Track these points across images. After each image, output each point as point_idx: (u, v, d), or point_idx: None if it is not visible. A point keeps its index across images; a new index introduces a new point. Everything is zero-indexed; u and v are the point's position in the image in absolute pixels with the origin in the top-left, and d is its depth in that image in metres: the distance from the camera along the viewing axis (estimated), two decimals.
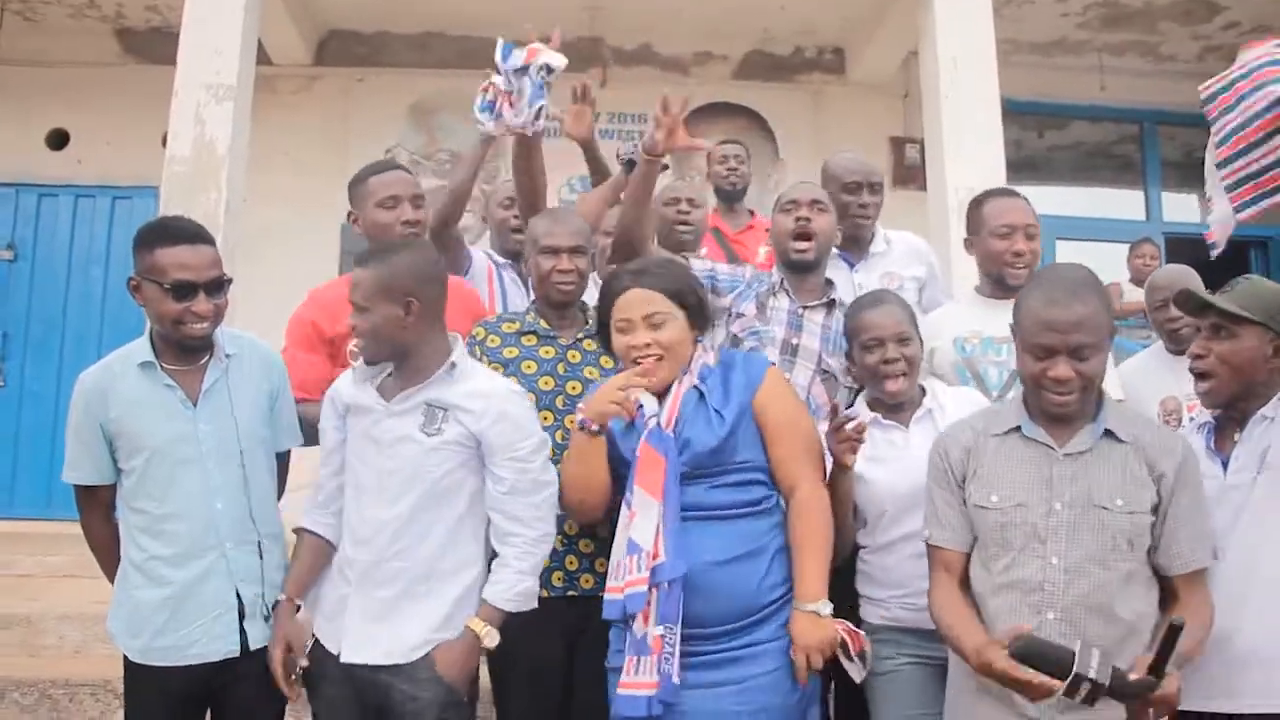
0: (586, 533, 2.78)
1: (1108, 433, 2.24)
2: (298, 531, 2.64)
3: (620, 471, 2.54)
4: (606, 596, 2.46)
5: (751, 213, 4.78)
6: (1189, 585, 2.21)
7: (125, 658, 2.59)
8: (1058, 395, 2.21)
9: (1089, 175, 8.50)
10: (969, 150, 5.69)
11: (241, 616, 2.56)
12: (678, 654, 2.32)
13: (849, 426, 2.50)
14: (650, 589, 2.34)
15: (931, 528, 2.40)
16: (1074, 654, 1.96)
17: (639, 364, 2.52)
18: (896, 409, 2.79)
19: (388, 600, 2.47)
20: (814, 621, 2.34)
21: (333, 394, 2.60)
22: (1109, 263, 7.04)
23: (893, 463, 2.68)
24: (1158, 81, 7.90)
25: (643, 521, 2.38)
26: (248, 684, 2.57)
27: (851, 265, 3.58)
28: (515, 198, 3.74)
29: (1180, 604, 2.19)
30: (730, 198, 4.61)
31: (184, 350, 2.62)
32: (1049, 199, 7.90)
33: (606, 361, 2.88)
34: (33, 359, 7.06)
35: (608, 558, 2.70)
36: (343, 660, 2.46)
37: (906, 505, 2.59)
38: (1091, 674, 1.94)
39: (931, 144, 5.95)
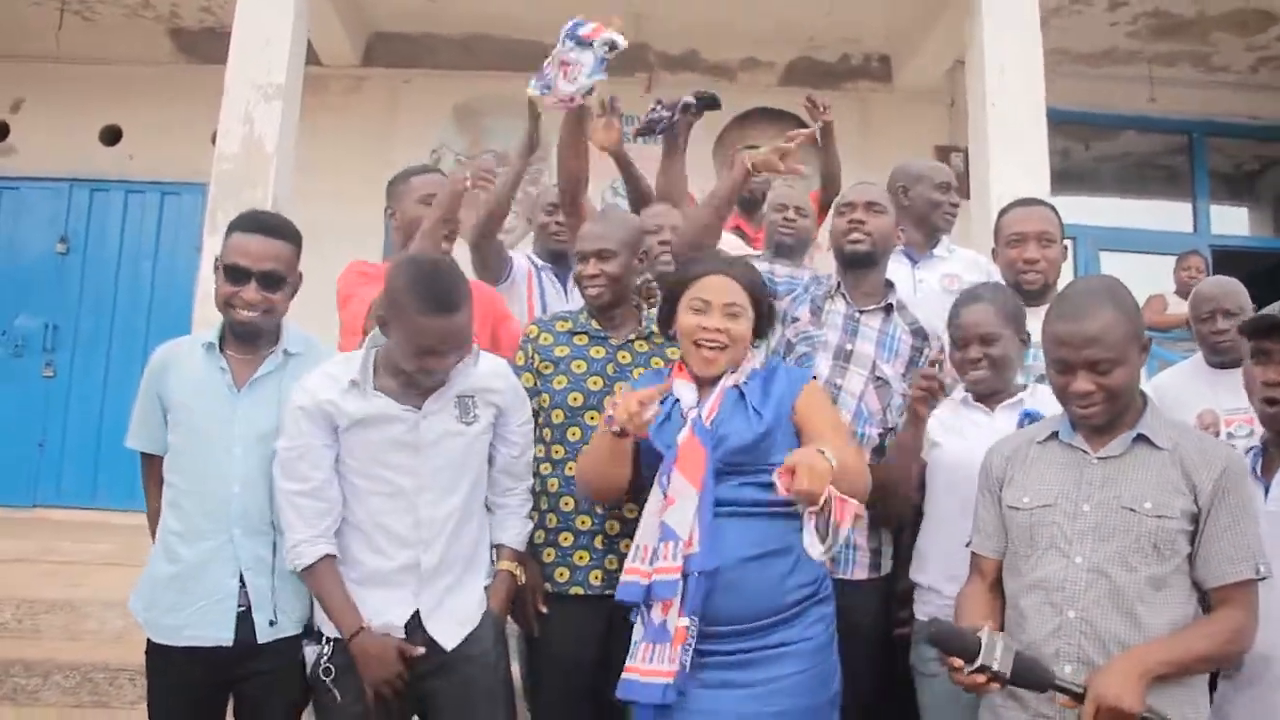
0: (627, 533, 2.76)
1: (1144, 439, 2.22)
2: (311, 567, 2.49)
3: (647, 460, 2.55)
4: (626, 577, 2.44)
5: None
6: (1223, 600, 2.14)
7: (148, 640, 2.63)
8: (1080, 409, 2.21)
9: (1136, 187, 8.41)
10: (1014, 160, 5.66)
11: (249, 608, 2.56)
12: (693, 647, 2.33)
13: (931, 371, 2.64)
14: (682, 578, 2.34)
15: (974, 534, 2.42)
16: (980, 641, 2.04)
17: (698, 345, 2.54)
18: (987, 397, 2.80)
19: (451, 585, 2.56)
20: (812, 451, 2.19)
21: (321, 409, 2.47)
22: (1155, 275, 6.98)
23: (970, 438, 2.69)
24: (1208, 92, 7.84)
25: (680, 509, 2.38)
26: (259, 679, 2.57)
27: (915, 263, 3.69)
28: (556, 203, 3.77)
29: (1214, 614, 2.15)
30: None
31: (235, 336, 2.68)
32: (1095, 210, 7.88)
33: (657, 363, 2.89)
34: (82, 351, 7.20)
35: None
36: (450, 649, 2.51)
37: (972, 479, 2.55)
38: (995, 665, 2.03)
39: (976, 153, 5.93)
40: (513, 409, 2.67)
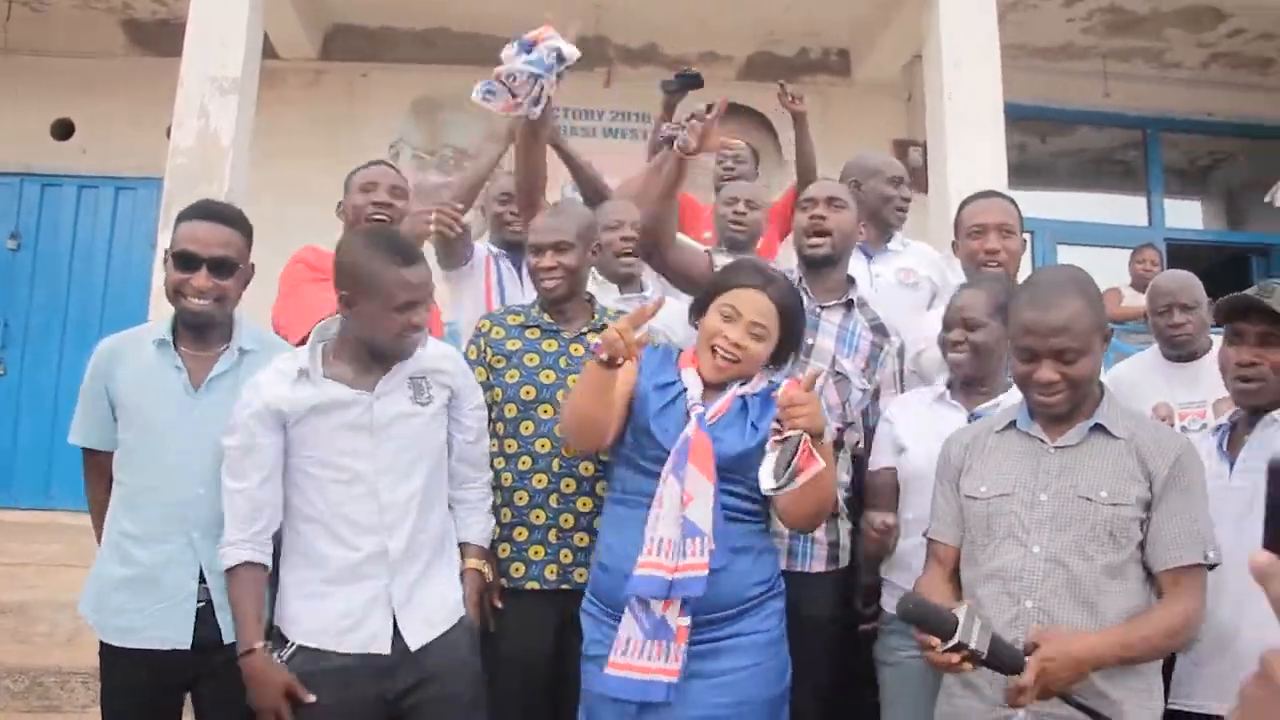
0: (582, 526, 2.78)
1: (1101, 428, 2.24)
2: (235, 570, 2.41)
3: (636, 425, 2.54)
4: (642, 572, 2.34)
5: None
6: (1171, 584, 2.16)
7: (100, 642, 2.59)
8: (1043, 397, 2.22)
9: (1092, 181, 8.53)
10: (971, 153, 5.71)
11: (212, 609, 2.52)
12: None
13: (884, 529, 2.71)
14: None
15: (932, 522, 2.44)
16: (957, 620, 2.00)
17: (714, 351, 2.53)
18: (968, 391, 2.80)
19: (420, 574, 2.50)
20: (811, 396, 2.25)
21: (270, 408, 2.41)
22: (1111, 268, 7.05)
23: (940, 440, 2.65)
24: (1162, 88, 7.94)
25: (700, 505, 2.36)
26: (219, 680, 2.52)
27: (870, 257, 3.68)
28: (511, 193, 3.75)
29: (1159, 603, 2.17)
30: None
31: (187, 327, 2.62)
32: (1052, 204, 7.95)
33: None
34: (33, 348, 7.08)
35: None
36: (415, 648, 2.43)
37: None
38: (972, 644, 1.99)
39: (934, 147, 5.98)
40: (465, 392, 2.65)
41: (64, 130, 7.37)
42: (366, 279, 2.39)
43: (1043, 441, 2.27)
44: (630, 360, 2.41)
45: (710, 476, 2.38)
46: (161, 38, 7.11)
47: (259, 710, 2.34)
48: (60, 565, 5.12)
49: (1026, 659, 2.01)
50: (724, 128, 3.34)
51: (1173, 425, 3.31)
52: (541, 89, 3.06)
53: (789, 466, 2.18)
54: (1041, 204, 7.67)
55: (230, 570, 2.41)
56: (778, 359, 2.64)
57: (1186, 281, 3.61)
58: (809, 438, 2.19)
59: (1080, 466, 2.21)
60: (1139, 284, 6.59)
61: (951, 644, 2.00)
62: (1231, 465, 2.45)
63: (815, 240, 3.04)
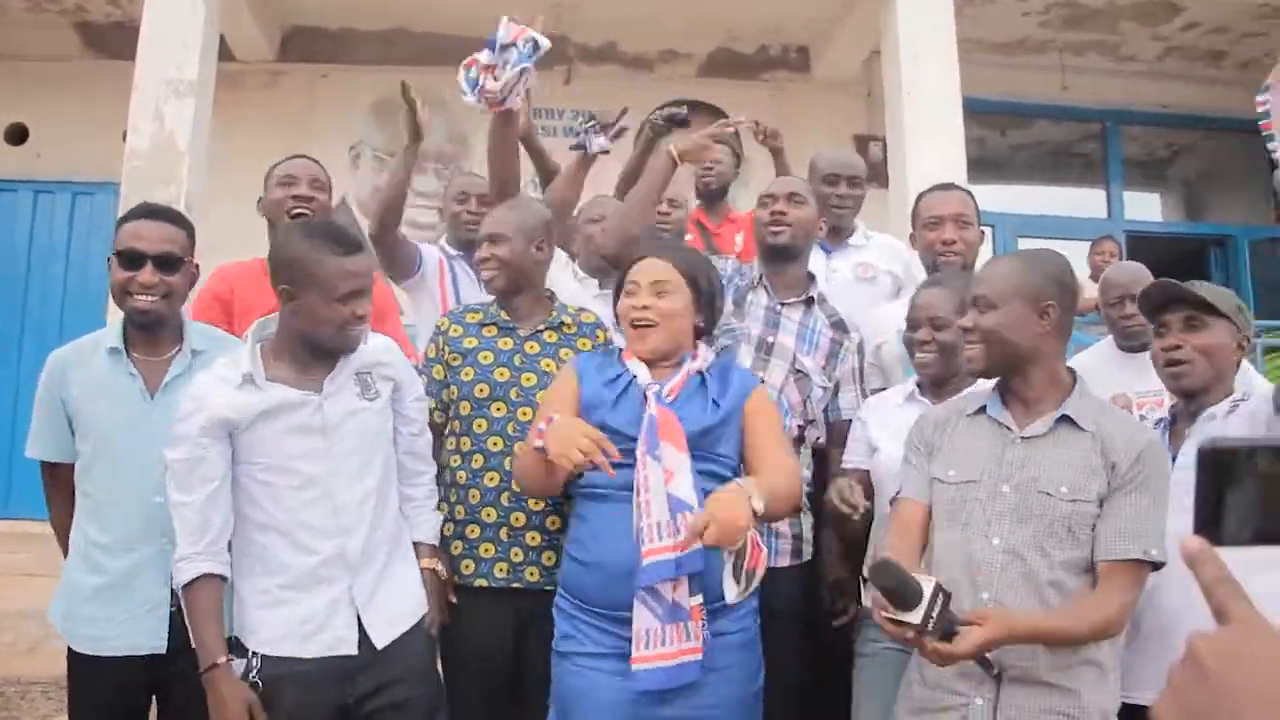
0: (534, 525, 2.78)
1: (1068, 419, 2.24)
2: (193, 584, 2.32)
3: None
4: (652, 558, 2.28)
5: (728, 206, 4.80)
6: (1105, 574, 2.14)
7: (69, 649, 2.57)
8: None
9: (1051, 174, 8.60)
10: (931, 148, 5.76)
11: (181, 615, 2.46)
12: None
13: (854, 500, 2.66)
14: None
15: (902, 489, 2.43)
16: (921, 595, 1.96)
17: (632, 325, 2.54)
18: (937, 390, 2.81)
19: (379, 572, 2.48)
20: (740, 500, 2.19)
21: (215, 416, 2.33)
22: (1071, 260, 7.10)
23: None
24: (1119, 81, 8.01)
25: (681, 479, 2.34)
26: (190, 682, 2.44)
27: (829, 252, 3.72)
28: (468, 192, 3.77)
29: (1090, 593, 2.15)
30: (709, 197, 4.59)
31: (140, 329, 2.60)
32: (1012, 197, 8.03)
33: (566, 353, 2.89)
34: None
35: (556, 551, 2.74)
36: (380, 646, 2.41)
37: None
38: (929, 627, 1.96)
39: (893, 142, 6.02)
40: (406, 383, 2.64)
41: (18, 135, 7.27)
42: (306, 271, 2.36)
43: (1009, 430, 2.28)
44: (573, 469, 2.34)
45: (683, 448, 2.37)
46: (116, 40, 7.02)
47: None
48: (24, 574, 5.06)
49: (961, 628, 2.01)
50: (684, 126, 3.36)
51: (1131, 414, 3.35)
52: (522, 79, 3.12)
53: (745, 573, 2.22)
54: (1001, 197, 7.76)
55: (188, 585, 2.33)
56: (707, 329, 2.66)
57: (1138, 273, 3.65)
58: (751, 534, 2.21)
59: (1044, 459, 2.22)
60: (1097, 275, 6.62)
61: (906, 618, 1.96)
62: (1174, 458, 2.46)
63: (775, 229, 3.07)
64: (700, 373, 2.55)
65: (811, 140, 7.25)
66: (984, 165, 7.45)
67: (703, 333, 2.65)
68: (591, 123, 3.56)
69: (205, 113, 5.64)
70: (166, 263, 2.59)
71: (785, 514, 2.50)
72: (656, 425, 2.40)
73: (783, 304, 3.07)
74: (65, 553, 2.69)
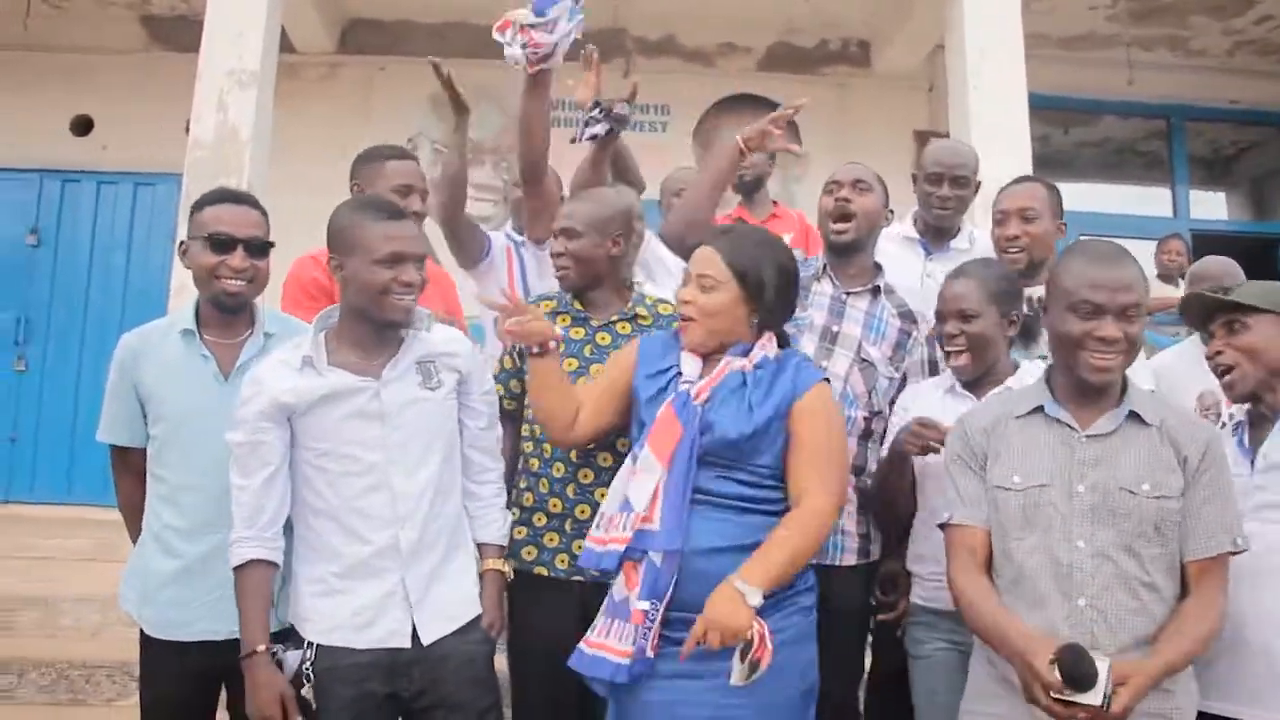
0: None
1: (1133, 415, 2.19)
2: (242, 569, 2.33)
3: (638, 420, 2.50)
4: (586, 544, 2.42)
5: (774, 202, 4.74)
6: (1202, 574, 2.13)
7: (141, 631, 2.58)
8: (1102, 357, 2.14)
9: (1116, 171, 8.43)
10: (996, 144, 5.63)
11: None
12: (656, 631, 2.27)
13: (929, 433, 2.54)
14: (640, 555, 2.29)
15: (953, 508, 2.30)
16: (1098, 677, 1.90)
17: (681, 319, 2.51)
18: (976, 383, 2.73)
19: (435, 565, 2.45)
20: (735, 602, 2.18)
21: (275, 401, 2.33)
22: (1138, 258, 6.98)
23: None
24: (1186, 76, 7.85)
25: (643, 482, 2.32)
26: None
27: (928, 253, 3.59)
28: None
29: (1191, 596, 2.13)
30: (745, 189, 4.53)
31: (223, 312, 2.61)
32: (1075, 195, 7.85)
33: None
34: (55, 345, 7.09)
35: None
36: (427, 642, 2.38)
37: None
38: (1107, 702, 1.91)
39: (958, 137, 5.89)
40: (474, 374, 2.58)
41: (83, 127, 7.38)
42: (350, 237, 2.37)
43: (1073, 429, 2.20)
44: (547, 342, 2.50)
45: (664, 459, 2.32)
46: (180, 33, 7.11)
47: (255, 715, 2.27)
48: (85, 559, 5.13)
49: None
50: (741, 118, 3.28)
51: (1219, 414, 3.26)
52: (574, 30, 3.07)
53: (750, 661, 2.17)
54: (1065, 195, 7.57)
55: (238, 569, 2.34)
56: (774, 324, 2.54)
57: (1229, 267, 3.56)
58: (759, 627, 2.17)
59: (1117, 456, 2.15)
60: (1165, 274, 6.53)
61: (1084, 700, 1.90)
62: (1252, 462, 2.40)
63: (839, 226, 3.01)
64: (742, 372, 2.45)
65: (872, 135, 7.22)
66: (1046, 162, 7.29)
67: (768, 326, 2.53)
68: (595, 110, 3.50)
69: (267, 103, 5.67)
70: (256, 247, 2.61)
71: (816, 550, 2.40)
72: (651, 428, 2.39)
73: (848, 293, 3.00)
74: (134, 537, 2.70)
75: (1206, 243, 7.29)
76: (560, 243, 2.89)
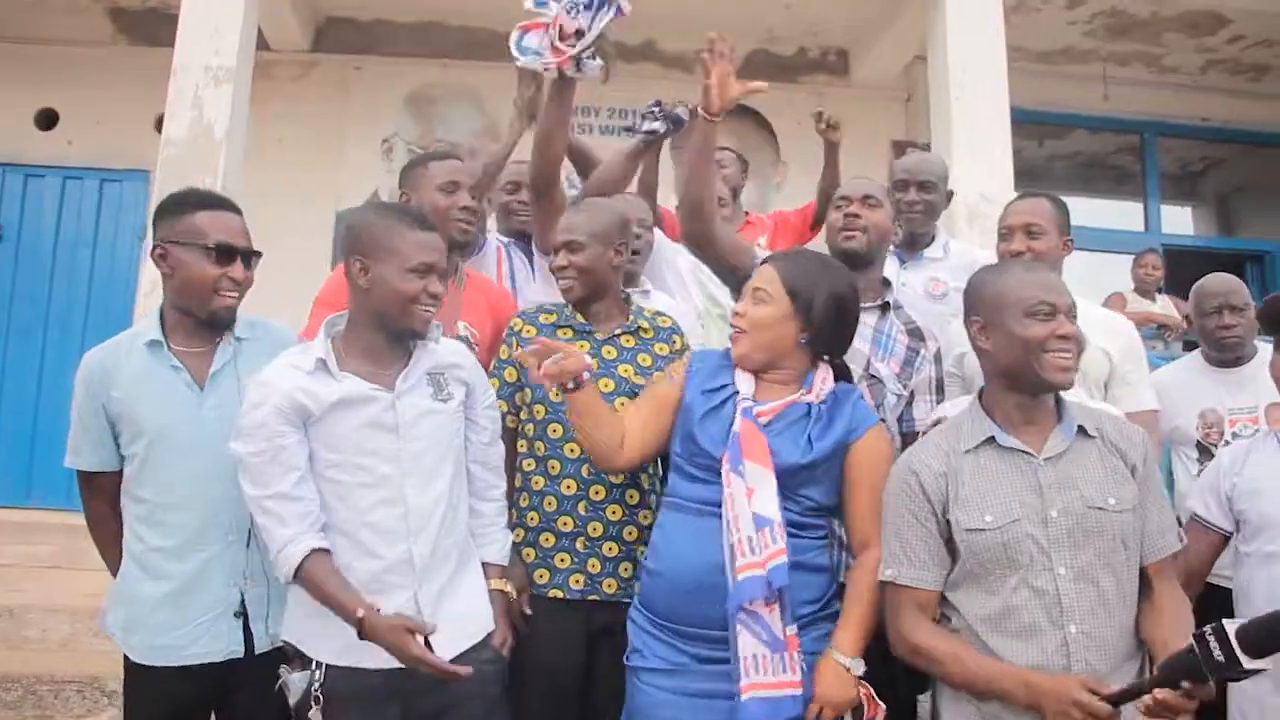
0: (611, 535, 2.70)
1: (1080, 429, 2.19)
2: (304, 565, 2.21)
3: (692, 450, 2.45)
4: (746, 574, 2.24)
5: (747, 212, 4.71)
6: (1160, 573, 2.16)
7: (125, 657, 2.47)
8: (1064, 357, 2.14)
9: (1088, 186, 8.49)
10: (977, 156, 5.67)
11: (246, 616, 2.42)
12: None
13: None
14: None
15: (896, 566, 2.22)
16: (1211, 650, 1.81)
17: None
18: None
19: (447, 581, 2.38)
20: (841, 676, 2.26)
21: (292, 400, 2.24)
22: (1109, 273, 7.04)
23: None
24: (1159, 93, 7.93)
25: (764, 494, 2.29)
26: (251, 690, 2.41)
27: (902, 262, 3.59)
28: (519, 181, 3.69)
29: (1155, 596, 2.14)
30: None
31: (209, 325, 2.50)
32: None
33: (644, 359, 2.81)
34: (15, 343, 6.86)
35: (633, 563, 2.68)
36: (449, 659, 2.25)
37: None
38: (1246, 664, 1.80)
39: (939, 148, 5.90)
40: (478, 386, 2.56)
41: (48, 120, 7.17)
42: (383, 240, 2.32)
43: (1030, 455, 2.17)
44: (582, 374, 2.43)
45: (767, 464, 2.31)
46: (150, 26, 6.96)
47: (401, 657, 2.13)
48: (49, 567, 4.97)
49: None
50: (724, 124, 3.22)
51: (1222, 431, 3.26)
52: (590, 36, 3.03)
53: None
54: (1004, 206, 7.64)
55: (300, 567, 2.20)
56: (825, 350, 2.52)
57: (1235, 284, 3.56)
58: (865, 691, 2.26)
59: (1077, 475, 2.14)
60: (1142, 288, 6.58)
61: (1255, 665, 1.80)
62: None
63: (849, 233, 2.97)
64: (809, 404, 2.44)
65: (850, 145, 7.14)
66: (1020, 175, 7.32)
67: (820, 354, 2.52)
68: (654, 106, 3.43)
69: (244, 101, 5.55)
70: (250, 259, 2.53)
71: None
72: (741, 442, 2.33)
73: None
74: (112, 565, 2.57)
75: (1177, 258, 7.39)
76: (564, 256, 2.84)
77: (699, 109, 2.86)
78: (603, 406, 2.54)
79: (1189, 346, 6.36)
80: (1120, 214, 8.25)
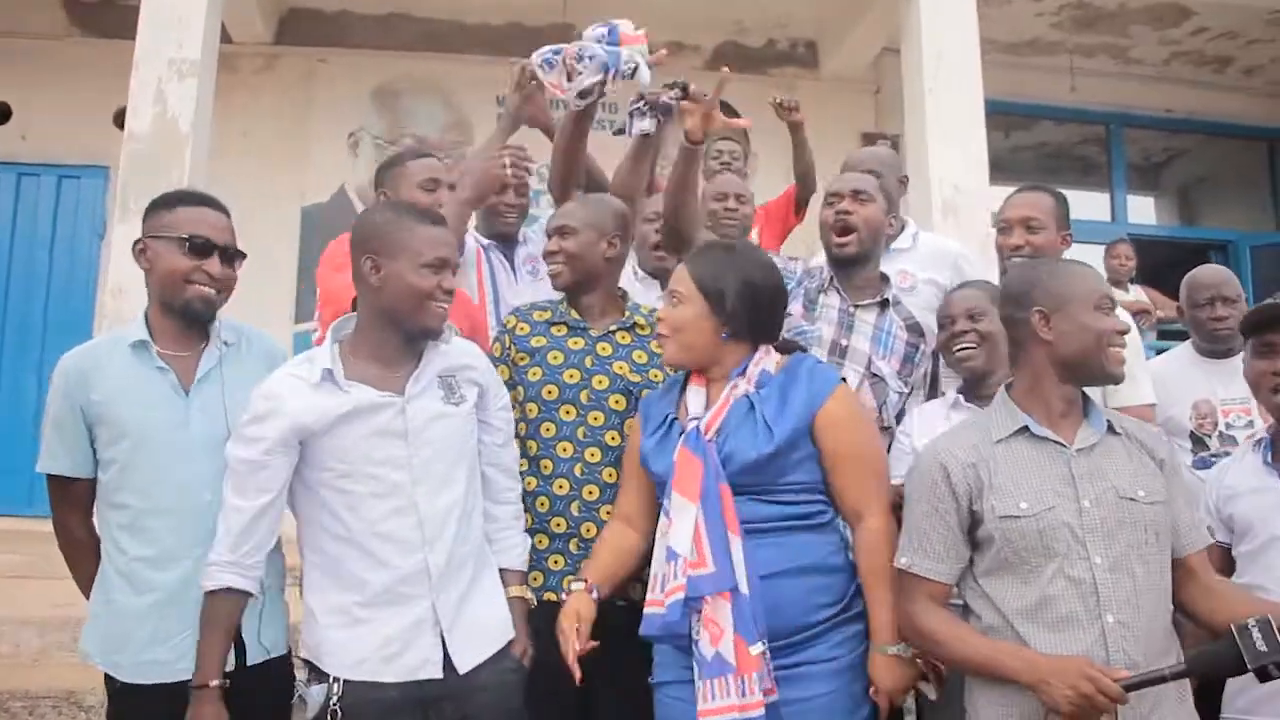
0: None
1: (1109, 425, 2.20)
2: (214, 594, 2.21)
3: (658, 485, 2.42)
4: (647, 611, 2.27)
5: None
6: (1202, 564, 2.20)
7: (108, 677, 2.37)
8: (1122, 351, 2.18)
9: (1054, 177, 8.51)
10: (952, 147, 5.68)
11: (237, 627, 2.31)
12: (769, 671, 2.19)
13: None
14: (698, 604, 2.19)
15: (911, 555, 2.21)
16: (1252, 637, 1.85)
17: None
18: (979, 395, 2.70)
19: (465, 589, 2.32)
20: (894, 664, 2.23)
21: (294, 420, 2.20)
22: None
23: None
24: (1124, 84, 8.00)
25: (680, 527, 2.23)
26: (247, 703, 2.29)
27: None
28: (505, 184, 3.58)
29: (1204, 580, 2.18)
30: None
31: (187, 319, 2.43)
32: None
33: (640, 356, 2.76)
34: None
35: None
36: (463, 670, 2.25)
37: None
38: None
39: (913, 140, 5.91)
40: (492, 388, 2.50)
41: (1, 115, 6.94)
42: (395, 237, 2.28)
43: (1062, 445, 2.16)
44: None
45: (694, 496, 2.25)
46: (106, 18, 6.77)
47: None
48: (16, 576, 4.78)
49: None
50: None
51: (1215, 422, 3.27)
52: (601, 83, 2.97)
53: (934, 678, 2.29)
54: (1004, 199, 7.69)
55: (210, 593, 2.21)
56: (755, 339, 2.44)
57: (1226, 275, 3.57)
58: (920, 665, 2.27)
59: (1108, 467, 2.14)
60: (1114, 279, 6.61)
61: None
62: None
63: (841, 240, 2.93)
64: (747, 395, 2.37)
65: (819, 137, 7.11)
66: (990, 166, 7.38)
67: (755, 344, 2.44)
68: (640, 103, 3.38)
69: (208, 95, 5.40)
70: (231, 257, 2.47)
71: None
72: (674, 474, 2.30)
73: (856, 306, 2.93)
74: (83, 579, 2.48)
75: (1144, 248, 7.45)
76: (554, 241, 2.82)
77: (684, 136, 2.85)
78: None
79: (1162, 336, 6.44)
80: (1086, 205, 8.30)
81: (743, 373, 2.39)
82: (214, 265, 2.41)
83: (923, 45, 5.84)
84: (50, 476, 2.44)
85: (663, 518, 2.31)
